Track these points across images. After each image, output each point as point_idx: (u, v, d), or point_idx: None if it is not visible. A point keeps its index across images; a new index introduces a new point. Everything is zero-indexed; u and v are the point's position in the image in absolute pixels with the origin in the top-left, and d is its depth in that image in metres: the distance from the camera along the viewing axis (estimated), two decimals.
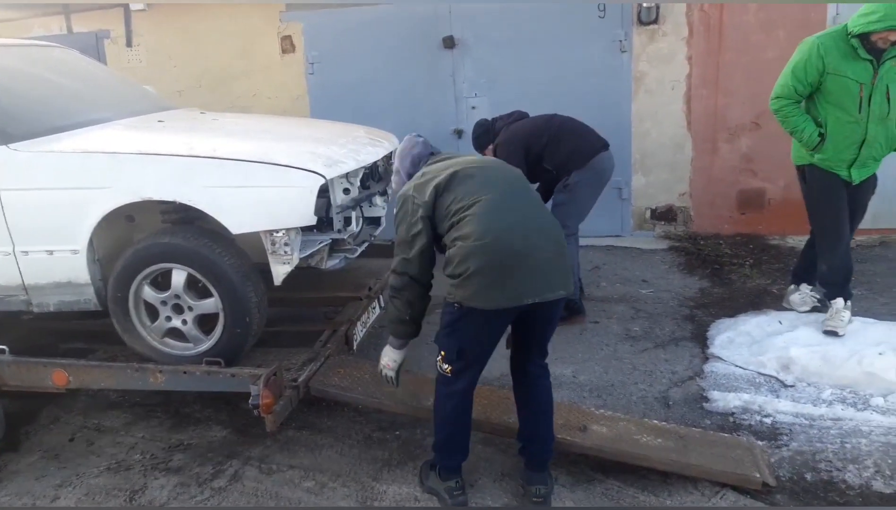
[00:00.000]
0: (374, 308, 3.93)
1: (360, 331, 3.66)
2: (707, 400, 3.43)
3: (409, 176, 2.83)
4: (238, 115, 4.49)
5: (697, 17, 5.48)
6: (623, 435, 2.93)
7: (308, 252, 3.11)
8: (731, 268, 5.10)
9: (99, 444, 3.47)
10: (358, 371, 3.22)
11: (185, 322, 3.14)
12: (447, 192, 2.56)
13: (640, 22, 5.57)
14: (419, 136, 2.95)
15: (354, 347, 3.54)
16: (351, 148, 3.39)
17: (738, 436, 3.09)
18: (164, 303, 3.13)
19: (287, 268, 3.03)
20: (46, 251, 3.12)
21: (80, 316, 3.43)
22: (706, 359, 3.84)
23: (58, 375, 3.11)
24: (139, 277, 3.11)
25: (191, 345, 3.19)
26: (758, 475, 2.69)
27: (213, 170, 2.96)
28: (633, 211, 6.00)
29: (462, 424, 2.76)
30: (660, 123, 5.76)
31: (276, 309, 3.89)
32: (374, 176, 3.76)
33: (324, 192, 3.13)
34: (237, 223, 2.95)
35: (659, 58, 5.63)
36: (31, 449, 3.45)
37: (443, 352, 2.63)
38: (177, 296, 3.10)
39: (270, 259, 3.02)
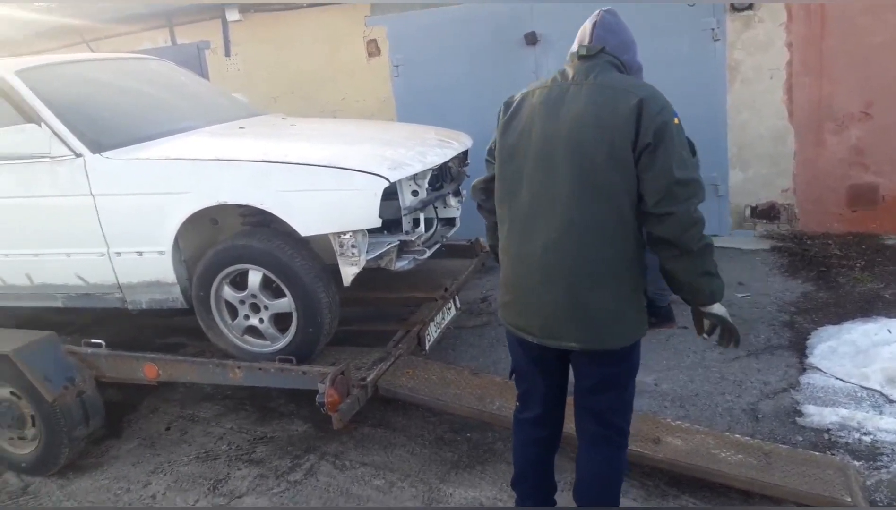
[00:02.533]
0: (449, 309, 3.91)
1: (433, 332, 3.65)
2: (801, 414, 3.19)
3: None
4: (316, 120, 4.60)
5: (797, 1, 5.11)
6: (700, 448, 2.76)
7: (376, 253, 3.13)
8: (840, 270, 4.72)
9: (191, 434, 3.67)
10: (426, 372, 3.22)
11: (261, 320, 3.24)
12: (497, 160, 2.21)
13: (734, 8, 5.26)
14: (606, 12, 2.18)
15: (427, 348, 3.54)
16: (418, 150, 3.38)
17: (832, 454, 2.85)
18: (242, 302, 3.25)
19: (355, 269, 3.06)
20: (137, 252, 3.30)
21: (175, 313, 3.62)
22: (803, 369, 3.57)
23: (148, 368, 3.30)
24: (219, 277, 3.23)
25: (268, 342, 3.28)
26: (849, 499, 2.46)
27: (283, 174, 3.03)
28: (731, 208, 5.67)
29: (527, 463, 2.43)
30: (758, 114, 5.41)
31: (354, 309, 3.98)
32: (446, 177, 3.74)
33: (392, 194, 3.15)
34: (306, 225, 3.01)
35: (755, 45, 5.29)
36: (130, 436, 3.70)
37: None
38: (253, 296, 3.21)
39: (339, 260, 3.06)
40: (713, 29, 5.38)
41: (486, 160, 2.33)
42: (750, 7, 5.25)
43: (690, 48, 5.47)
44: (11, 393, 3.25)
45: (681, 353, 3.91)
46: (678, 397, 3.48)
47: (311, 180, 3.02)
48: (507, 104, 2.23)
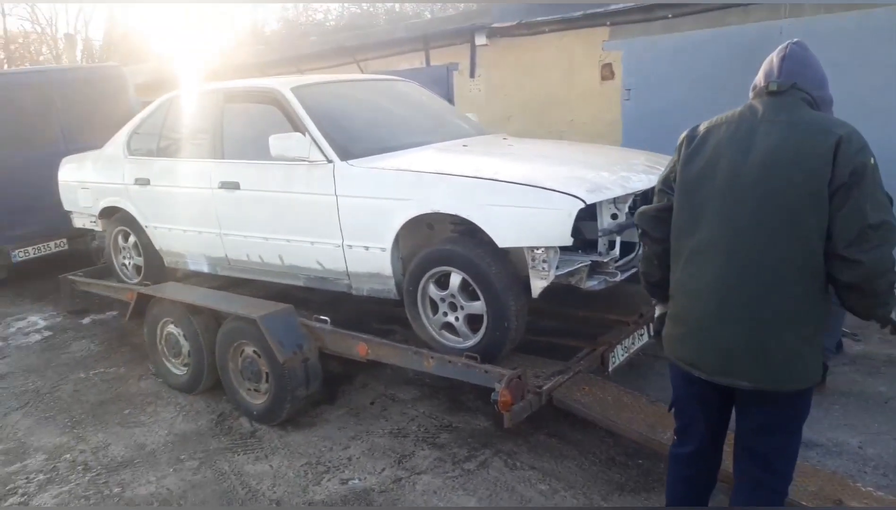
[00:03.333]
0: (641, 335, 3.93)
1: (619, 355, 3.71)
2: None
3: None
4: (533, 141, 4.85)
5: None
6: None
7: (565, 270, 3.30)
8: None
9: (390, 411, 4.14)
10: (602, 392, 3.31)
11: (457, 319, 3.58)
12: (678, 188, 2.20)
13: None
14: (795, 44, 2.16)
15: (610, 370, 3.61)
16: (622, 175, 3.48)
17: None
18: (442, 300, 3.61)
19: (544, 283, 3.26)
20: (364, 247, 3.83)
21: (391, 303, 4.10)
22: None
23: (361, 347, 3.81)
24: (426, 276, 3.63)
25: (461, 339, 3.61)
26: None
27: (488, 189, 3.33)
28: None
29: (676, 500, 2.42)
30: None
31: (551, 322, 4.18)
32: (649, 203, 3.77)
33: (592, 215, 3.30)
34: (503, 237, 3.28)
35: None
36: (342, 404, 4.27)
37: None
38: (452, 296, 3.55)
39: (531, 273, 3.28)
40: None
41: (660, 190, 2.32)
42: None
43: None
44: (254, 351, 3.96)
45: None
46: (884, 465, 3.16)
47: (513, 196, 3.28)
48: (691, 137, 2.21)
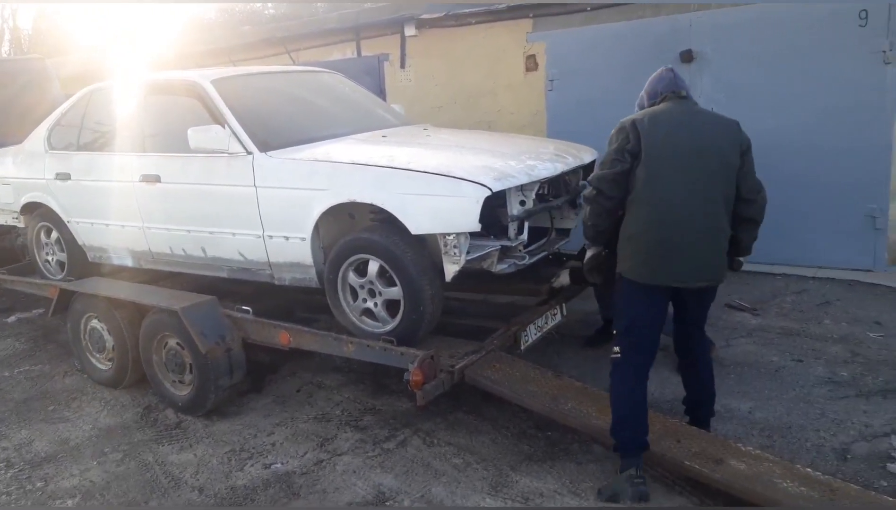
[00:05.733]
0: (555, 315, 4.13)
1: (532, 334, 3.90)
2: (893, 460, 3.04)
3: (641, 107, 3.17)
4: (452, 131, 4.99)
5: None
6: (762, 475, 2.77)
7: (476, 255, 3.46)
8: None
9: (315, 397, 4.25)
10: (511, 368, 3.49)
11: (376, 304, 3.70)
12: (642, 156, 2.90)
13: None
14: (670, 70, 3.14)
15: (522, 348, 3.80)
16: (529, 163, 3.65)
17: None
18: (362, 287, 3.72)
19: (456, 268, 3.40)
20: (284, 237, 3.91)
21: (315, 291, 4.19)
22: None
23: (283, 335, 3.90)
24: (346, 264, 3.73)
25: (380, 324, 3.73)
26: None
27: (401, 179, 3.46)
28: (888, 243, 5.26)
29: (634, 405, 2.98)
30: None
31: (471, 305, 4.38)
32: (560, 189, 3.97)
33: (503, 202, 3.47)
34: (417, 225, 3.42)
35: None
36: (268, 393, 4.36)
37: (615, 331, 3.10)
38: (371, 283, 3.67)
39: (443, 258, 3.42)
40: (885, 51, 5.05)
41: (615, 159, 2.94)
42: None
43: (857, 71, 5.18)
44: (178, 343, 4.01)
45: (786, 386, 3.81)
46: (768, 427, 3.43)
47: (425, 185, 3.41)
48: (640, 121, 2.94)
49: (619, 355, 3.03)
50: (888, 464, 3.01)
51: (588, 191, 3.06)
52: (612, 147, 2.98)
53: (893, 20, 4.99)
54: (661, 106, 3.03)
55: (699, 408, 3.26)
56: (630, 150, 2.91)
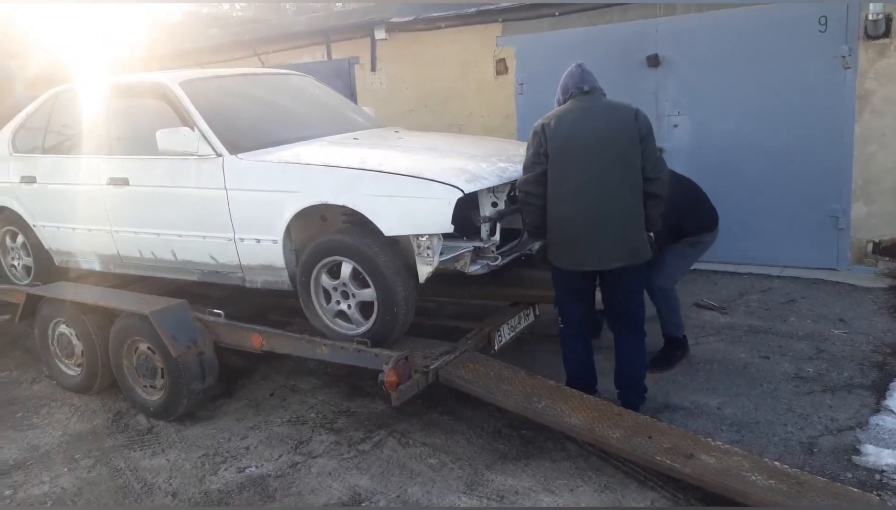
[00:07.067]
0: (528, 315, 4.17)
1: (505, 334, 3.93)
2: (858, 453, 3.13)
3: (558, 103, 3.44)
4: (422, 134, 5.00)
5: None
6: (732, 469, 2.83)
7: (449, 256, 3.47)
8: None
9: (289, 401, 4.22)
10: (485, 368, 3.52)
11: (349, 306, 3.69)
12: (551, 155, 3.25)
13: (868, 36, 5.05)
14: (578, 66, 3.41)
15: (496, 348, 3.83)
16: (500, 165, 3.68)
17: (877, 495, 2.79)
18: (335, 289, 3.72)
19: (429, 269, 3.41)
20: (255, 240, 3.88)
21: (288, 294, 4.17)
22: (877, 410, 3.46)
23: (255, 338, 3.87)
24: (318, 266, 3.72)
25: (353, 326, 3.73)
26: None
27: (373, 181, 3.46)
28: (851, 243, 5.42)
29: (582, 366, 3.57)
30: (888, 147, 5.15)
31: (447, 307, 4.41)
32: None
33: (476, 204, 3.50)
34: (389, 226, 3.42)
35: (889, 75, 5.05)
36: (241, 397, 4.32)
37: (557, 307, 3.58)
38: (344, 285, 3.66)
39: (417, 260, 3.43)
40: (844, 56, 5.20)
41: (533, 162, 3.32)
42: (887, 35, 5.01)
43: (818, 75, 5.33)
44: (148, 348, 3.95)
45: (754, 382, 3.89)
46: (738, 423, 3.50)
47: (397, 187, 3.42)
48: (547, 124, 3.30)
49: (561, 325, 3.57)
50: (853, 457, 3.10)
51: (519, 194, 3.43)
52: (530, 151, 3.34)
53: (852, 26, 5.14)
54: (568, 104, 3.36)
55: (620, 389, 3.55)
56: (543, 153, 3.28)
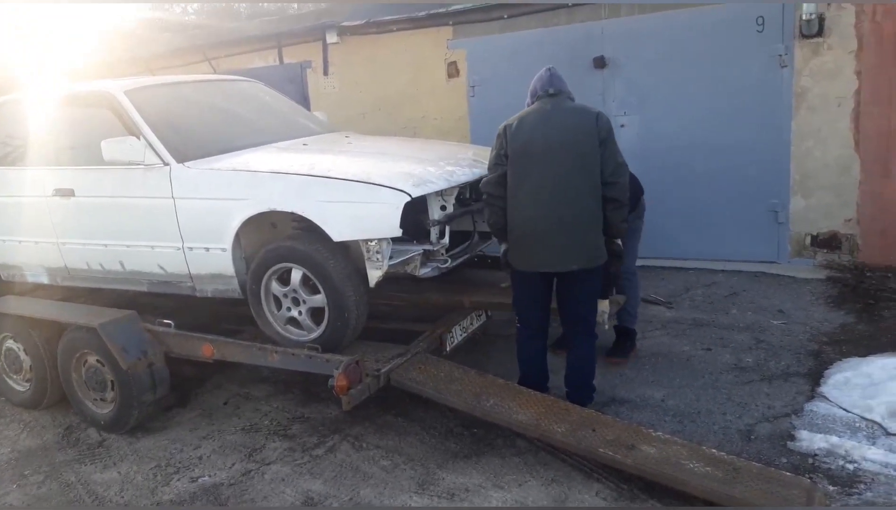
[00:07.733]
0: (480, 316, 4.24)
1: (457, 335, 4.00)
2: (793, 439, 3.26)
3: (528, 105, 3.47)
4: (372, 138, 5.04)
5: (868, 28, 5.03)
6: (671, 458, 2.94)
7: (399, 260, 3.52)
8: (888, 304, 4.61)
9: (243, 409, 4.22)
10: (436, 369, 3.57)
11: (300, 313, 3.71)
12: (511, 157, 3.33)
13: (803, 35, 5.24)
14: (548, 70, 3.44)
15: (448, 349, 3.89)
16: (448, 169, 3.74)
17: (809, 478, 2.92)
18: (285, 296, 3.73)
19: (379, 273, 3.46)
20: (204, 248, 3.88)
21: (240, 303, 4.17)
22: (811, 397, 3.62)
23: (206, 348, 3.86)
24: (268, 273, 3.73)
25: (305, 332, 3.75)
26: None
27: (322, 186, 3.49)
28: (790, 236, 5.62)
29: (534, 366, 3.63)
30: (823, 142, 5.35)
31: (401, 310, 4.43)
32: (481, 193, 4.08)
33: (425, 207, 3.55)
34: (338, 232, 3.45)
35: (823, 73, 5.25)
36: (194, 406, 4.30)
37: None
38: (294, 291, 3.68)
39: (367, 264, 3.48)
40: (781, 55, 5.39)
41: (496, 164, 3.40)
42: (820, 34, 5.21)
43: (757, 74, 5.51)
44: (97, 360, 3.92)
45: (696, 374, 4.02)
46: (680, 414, 3.62)
47: (345, 193, 3.46)
48: (509, 126, 3.38)
49: (518, 325, 3.64)
50: (788, 443, 3.24)
51: (483, 195, 3.48)
52: (493, 152, 3.42)
53: (788, 26, 5.33)
54: (533, 106, 3.41)
55: (570, 388, 3.59)
56: (504, 154, 3.36)
